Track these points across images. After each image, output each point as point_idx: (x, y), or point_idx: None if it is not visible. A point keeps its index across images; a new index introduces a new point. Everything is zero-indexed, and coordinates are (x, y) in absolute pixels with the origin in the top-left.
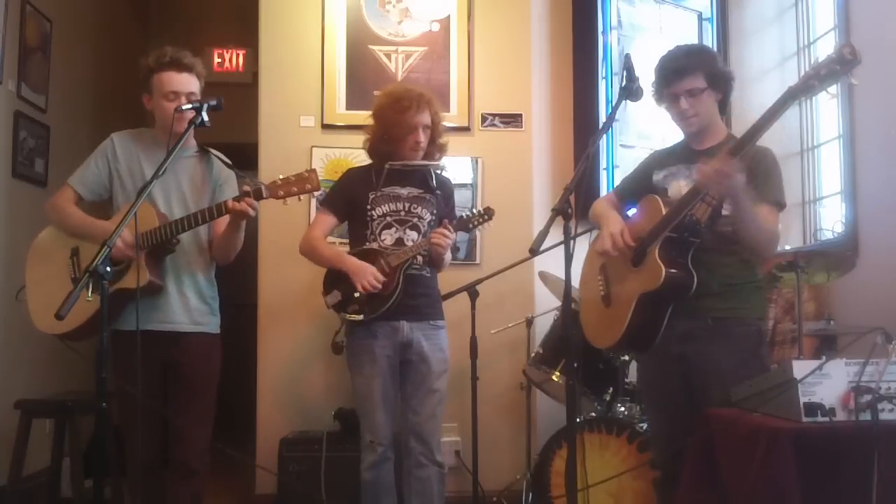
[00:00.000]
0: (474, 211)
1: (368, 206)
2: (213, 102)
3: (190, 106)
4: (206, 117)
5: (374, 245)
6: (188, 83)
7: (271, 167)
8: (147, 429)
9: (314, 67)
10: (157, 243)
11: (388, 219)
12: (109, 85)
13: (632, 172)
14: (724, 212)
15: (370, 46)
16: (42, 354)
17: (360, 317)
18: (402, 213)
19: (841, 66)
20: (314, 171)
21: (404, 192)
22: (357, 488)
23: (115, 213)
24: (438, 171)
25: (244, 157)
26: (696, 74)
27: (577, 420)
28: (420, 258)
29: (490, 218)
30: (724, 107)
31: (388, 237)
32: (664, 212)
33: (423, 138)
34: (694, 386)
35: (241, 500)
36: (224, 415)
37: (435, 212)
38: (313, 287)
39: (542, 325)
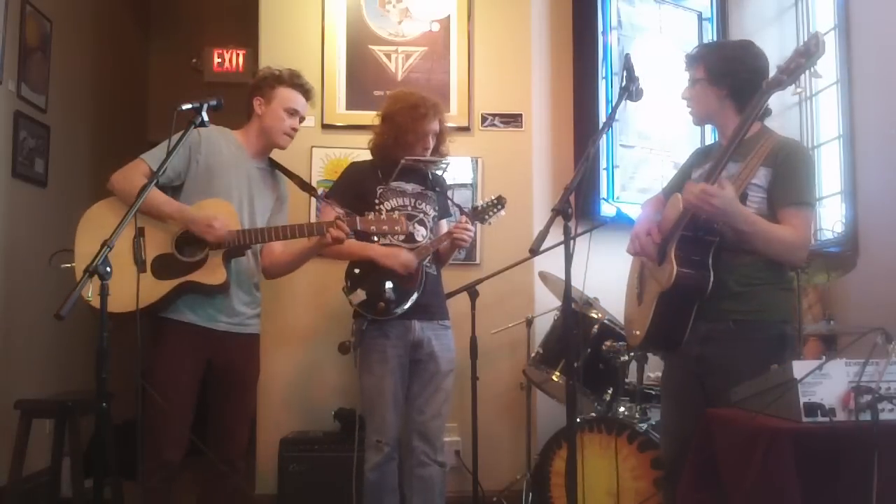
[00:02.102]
0: (486, 201)
1: (377, 200)
2: (213, 102)
3: (190, 105)
4: (206, 117)
5: (386, 241)
6: (305, 110)
7: None
8: (180, 426)
9: (314, 67)
10: (239, 246)
11: (397, 213)
12: (109, 85)
13: (677, 171)
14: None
15: (370, 46)
16: (42, 354)
17: (388, 316)
18: (410, 208)
19: (806, 59)
20: (404, 216)
21: (409, 187)
22: (358, 488)
23: (184, 202)
24: (441, 170)
25: None
26: (697, 65)
27: (577, 420)
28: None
29: (503, 206)
30: (740, 104)
31: None
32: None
33: (431, 145)
34: (710, 390)
35: (242, 500)
36: None
37: (437, 208)
38: (314, 287)
39: (542, 325)
